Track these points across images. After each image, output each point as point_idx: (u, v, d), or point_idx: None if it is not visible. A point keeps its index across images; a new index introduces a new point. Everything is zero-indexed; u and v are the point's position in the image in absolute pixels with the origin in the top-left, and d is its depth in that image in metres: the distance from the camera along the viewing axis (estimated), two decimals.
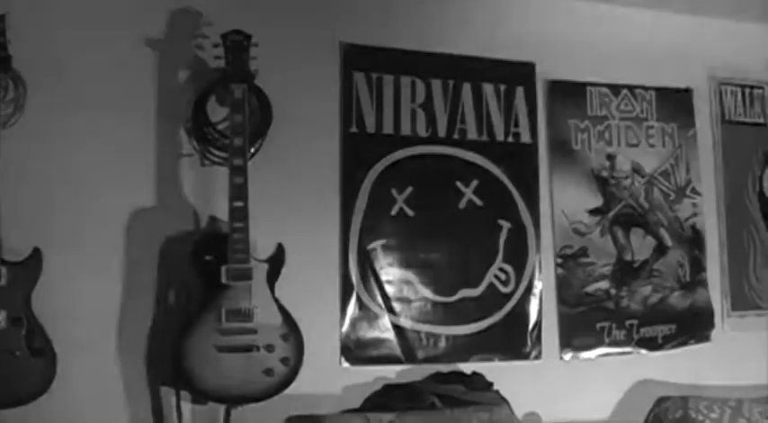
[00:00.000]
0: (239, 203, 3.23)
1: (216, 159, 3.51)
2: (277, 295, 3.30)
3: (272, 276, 3.32)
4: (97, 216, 3.36)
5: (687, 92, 4.54)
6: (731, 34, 4.63)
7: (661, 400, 3.93)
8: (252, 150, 3.44)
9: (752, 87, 4.71)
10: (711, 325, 4.41)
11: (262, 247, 3.35)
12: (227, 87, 3.36)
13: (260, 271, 3.28)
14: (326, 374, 3.61)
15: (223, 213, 3.29)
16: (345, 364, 3.69)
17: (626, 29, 4.40)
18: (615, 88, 4.34)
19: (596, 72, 4.31)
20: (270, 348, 3.23)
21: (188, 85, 3.56)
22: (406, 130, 3.88)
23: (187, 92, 3.54)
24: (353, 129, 3.80)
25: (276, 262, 3.34)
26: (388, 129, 3.85)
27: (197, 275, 3.26)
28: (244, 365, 3.20)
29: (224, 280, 3.20)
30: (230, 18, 3.49)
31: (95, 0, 3.48)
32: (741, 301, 4.53)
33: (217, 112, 3.53)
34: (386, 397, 3.63)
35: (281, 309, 3.28)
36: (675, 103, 4.49)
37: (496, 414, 3.52)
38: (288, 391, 3.28)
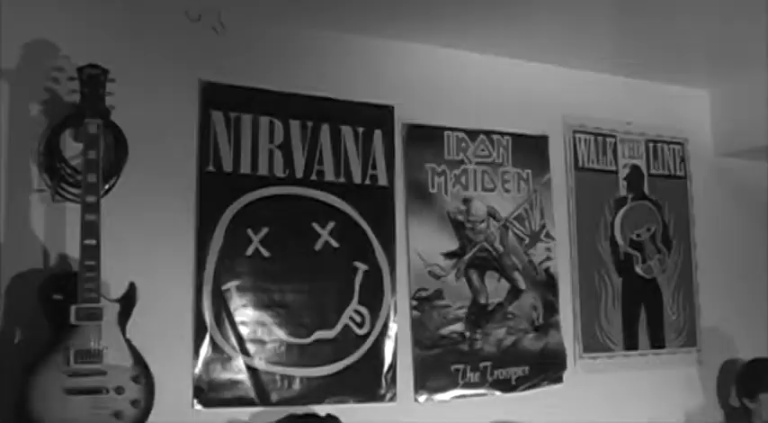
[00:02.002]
0: (91, 241, 3.15)
1: (68, 196, 3.42)
2: (128, 336, 3.23)
3: (124, 317, 3.24)
4: None
5: (542, 139, 4.65)
6: (585, 84, 4.80)
7: None
8: (106, 187, 3.38)
9: (604, 136, 4.85)
10: (564, 367, 4.51)
11: (114, 286, 3.28)
12: (82, 122, 3.27)
13: (111, 311, 3.20)
14: (179, 417, 3.53)
15: (74, 251, 3.20)
16: (198, 407, 3.61)
17: (484, 75, 4.50)
18: (472, 133, 4.41)
19: (454, 117, 4.38)
20: (120, 390, 3.14)
21: (41, 119, 3.46)
22: (263, 170, 3.86)
23: (40, 126, 3.44)
24: (210, 168, 3.76)
25: (128, 302, 3.27)
26: (245, 168, 3.83)
27: (45, 315, 3.15)
28: (92, 408, 3.09)
29: (73, 320, 3.10)
30: (87, 51, 3.42)
31: None
32: (593, 344, 4.64)
33: (71, 148, 3.44)
34: None
35: (133, 350, 3.21)
36: (531, 149, 4.60)
37: None
38: None
